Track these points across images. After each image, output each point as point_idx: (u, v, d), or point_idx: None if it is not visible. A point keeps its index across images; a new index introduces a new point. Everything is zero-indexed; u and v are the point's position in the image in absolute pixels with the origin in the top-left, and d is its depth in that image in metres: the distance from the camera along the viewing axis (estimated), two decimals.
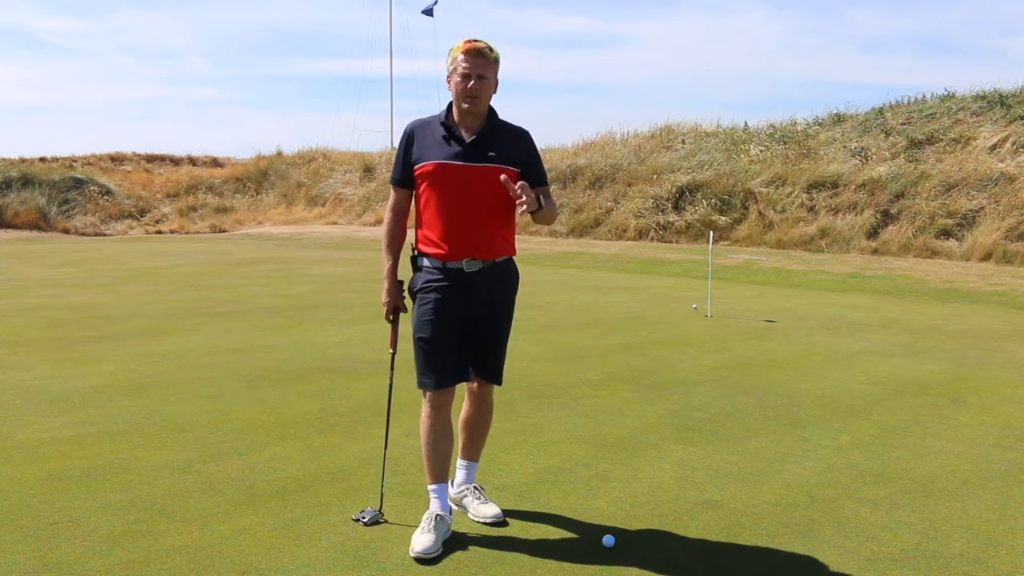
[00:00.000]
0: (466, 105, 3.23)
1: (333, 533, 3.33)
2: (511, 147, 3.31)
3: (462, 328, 3.33)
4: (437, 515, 3.27)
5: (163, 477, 3.93)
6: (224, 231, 26.24)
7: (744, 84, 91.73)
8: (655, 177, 21.15)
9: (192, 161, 34.16)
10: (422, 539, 3.17)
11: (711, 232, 11.77)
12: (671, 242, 19.33)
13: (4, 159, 28.61)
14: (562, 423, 4.89)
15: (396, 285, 3.42)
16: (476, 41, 3.23)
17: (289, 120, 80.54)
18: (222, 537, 3.27)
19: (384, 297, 3.43)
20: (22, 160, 29.35)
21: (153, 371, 6.17)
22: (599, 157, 23.34)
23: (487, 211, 3.27)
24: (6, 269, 14.34)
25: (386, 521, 3.44)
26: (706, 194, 19.87)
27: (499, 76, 3.32)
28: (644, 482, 3.94)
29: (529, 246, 18.76)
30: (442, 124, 3.30)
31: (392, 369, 3.61)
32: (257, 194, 29.81)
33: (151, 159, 33.33)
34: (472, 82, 3.20)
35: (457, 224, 3.25)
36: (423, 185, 3.30)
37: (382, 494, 3.58)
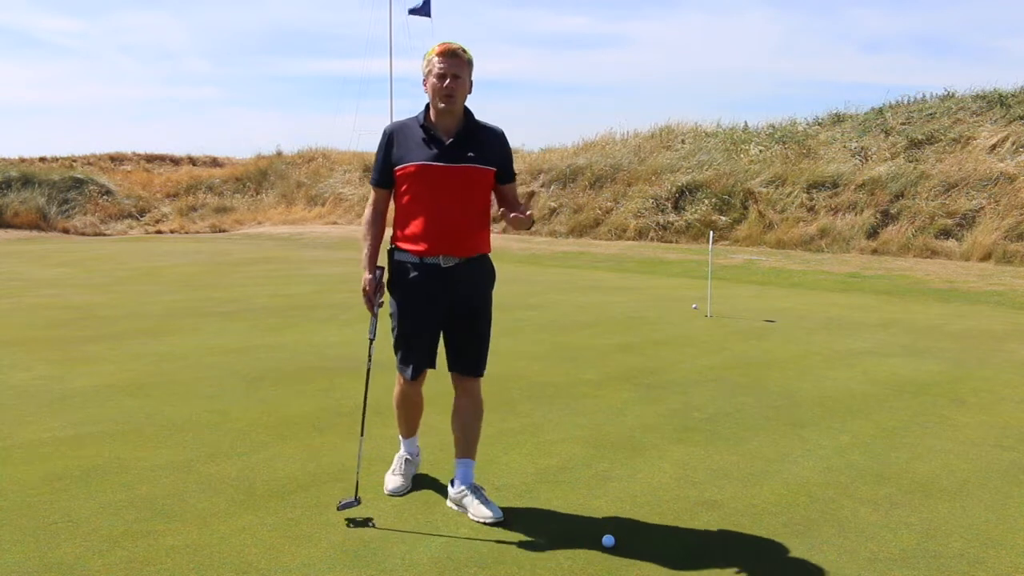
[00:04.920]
0: (442, 104, 3.37)
1: (333, 533, 3.33)
2: (488, 147, 3.46)
3: (438, 320, 3.52)
4: (406, 459, 3.82)
5: (163, 477, 3.93)
6: (224, 231, 26.22)
7: (744, 84, 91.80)
8: (655, 177, 21.15)
9: (192, 161, 34.15)
10: (393, 479, 3.77)
11: (711, 232, 11.77)
12: (671, 242, 19.33)
13: (4, 159, 28.61)
14: (562, 423, 4.89)
15: (375, 277, 3.57)
16: (450, 44, 3.38)
17: (289, 120, 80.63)
18: (222, 537, 3.27)
19: (364, 286, 3.56)
20: (22, 160, 29.35)
21: (153, 371, 6.17)
22: (599, 157, 23.34)
23: (465, 210, 3.42)
24: (6, 269, 14.33)
25: (369, 521, 3.44)
26: (706, 194, 19.87)
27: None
28: (644, 482, 3.94)
29: (529, 246, 18.76)
30: (421, 126, 3.43)
31: (370, 358, 3.69)
32: (257, 194, 29.79)
33: (151, 159, 33.32)
34: (448, 81, 3.33)
35: (436, 222, 3.40)
36: (404, 186, 3.44)
37: (357, 481, 3.61)
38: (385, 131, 3.50)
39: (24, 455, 4.23)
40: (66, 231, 24.85)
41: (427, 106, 3.45)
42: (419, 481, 3.89)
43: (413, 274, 3.45)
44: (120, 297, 10.46)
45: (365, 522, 3.43)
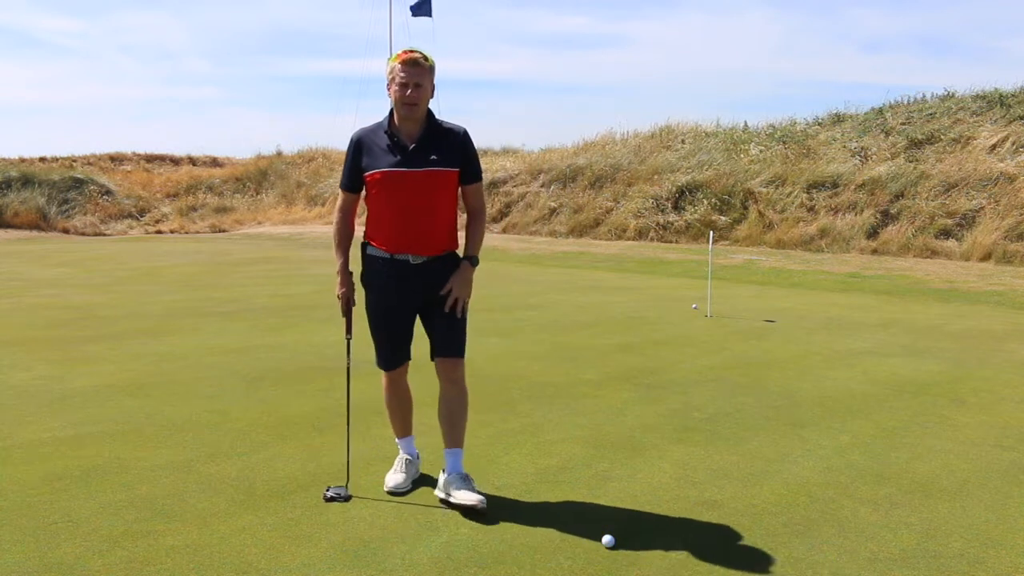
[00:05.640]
0: (405, 112, 3.51)
1: (333, 533, 3.33)
2: (450, 148, 3.58)
3: (411, 313, 3.69)
4: (406, 460, 3.86)
5: (163, 477, 3.94)
6: (224, 231, 26.22)
7: (744, 84, 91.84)
8: (655, 177, 21.15)
9: (192, 161, 34.16)
10: (394, 477, 3.78)
11: (711, 232, 11.77)
12: (671, 242, 19.32)
13: (4, 159, 28.61)
14: (562, 423, 4.89)
15: (348, 280, 3.77)
16: (412, 52, 3.50)
17: (289, 120, 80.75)
18: (222, 537, 3.28)
19: (338, 291, 3.78)
20: (22, 160, 29.36)
21: (153, 371, 6.17)
22: (599, 157, 23.34)
23: (431, 212, 3.57)
24: (6, 269, 14.33)
25: (347, 495, 3.64)
26: (706, 194, 19.86)
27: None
28: (644, 482, 3.94)
29: (529, 246, 18.77)
30: (386, 132, 3.57)
31: (349, 354, 3.93)
32: (257, 194, 29.80)
33: (151, 159, 33.34)
34: (410, 90, 3.47)
35: (403, 224, 3.56)
36: (373, 191, 3.60)
37: (348, 472, 3.79)
38: (352, 138, 3.64)
39: (24, 455, 4.23)
40: (66, 231, 24.85)
41: (391, 112, 3.58)
42: (419, 481, 3.90)
43: (384, 270, 3.62)
44: (120, 297, 10.46)
45: (344, 496, 3.64)
